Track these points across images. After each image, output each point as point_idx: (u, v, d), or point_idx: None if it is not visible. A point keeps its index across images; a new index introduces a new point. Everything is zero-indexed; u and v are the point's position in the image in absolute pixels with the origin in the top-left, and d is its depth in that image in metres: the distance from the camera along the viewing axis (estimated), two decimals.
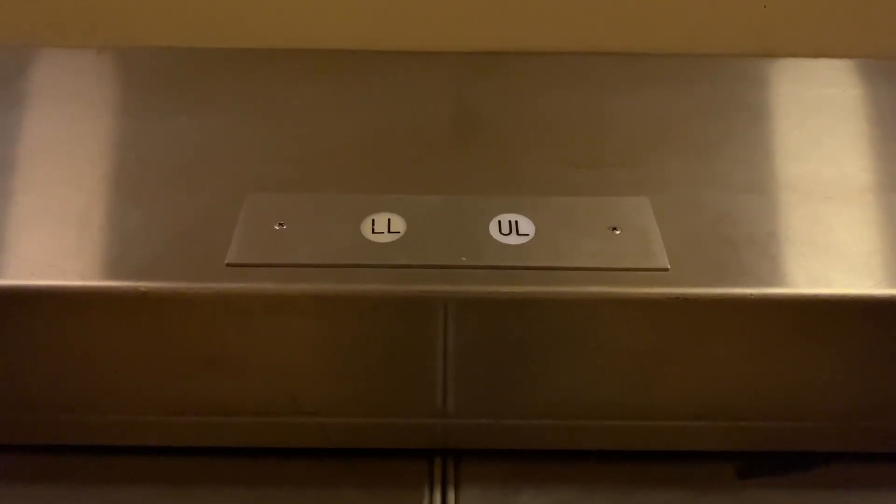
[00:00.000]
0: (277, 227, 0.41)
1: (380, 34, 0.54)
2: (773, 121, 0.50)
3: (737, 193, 0.44)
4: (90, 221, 0.42)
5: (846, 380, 0.43)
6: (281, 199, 0.43)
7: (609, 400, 0.43)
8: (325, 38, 0.54)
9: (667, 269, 0.40)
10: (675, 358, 0.42)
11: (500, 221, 0.42)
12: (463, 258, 0.40)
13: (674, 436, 0.45)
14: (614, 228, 0.42)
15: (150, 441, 0.45)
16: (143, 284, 0.39)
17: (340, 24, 0.54)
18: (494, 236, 0.41)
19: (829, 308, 0.40)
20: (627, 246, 0.41)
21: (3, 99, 0.51)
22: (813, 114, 0.51)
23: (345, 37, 0.54)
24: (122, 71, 0.54)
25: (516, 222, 0.42)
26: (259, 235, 0.41)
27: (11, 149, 0.47)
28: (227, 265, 0.40)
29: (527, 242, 0.41)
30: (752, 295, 0.39)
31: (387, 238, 0.41)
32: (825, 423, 0.44)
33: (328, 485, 0.44)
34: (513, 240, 0.41)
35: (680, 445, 0.45)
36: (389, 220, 0.42)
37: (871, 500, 0.44)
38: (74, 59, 0.54)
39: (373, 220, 0.42)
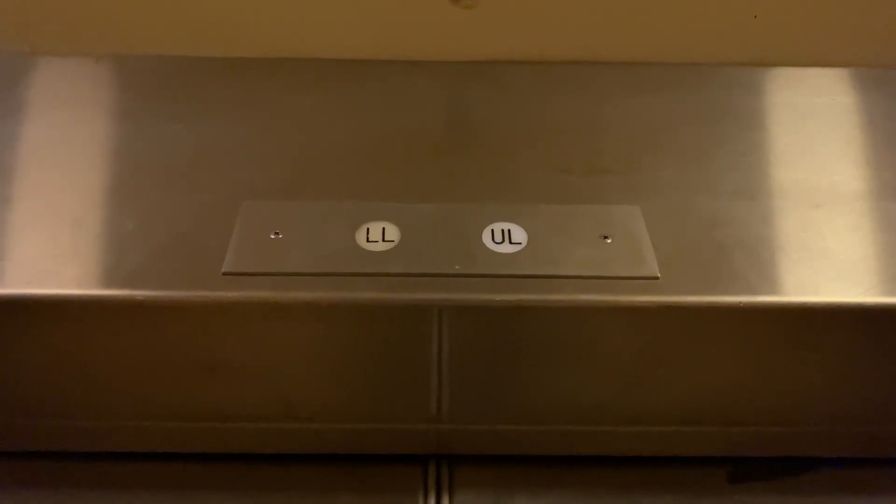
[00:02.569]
0: (273, 236, 0.42)
1: (374, 44, 0.55)
2: (764, 129, 0.51)
3: (728, 200, 0.45)
4: (87, 229, 0.43)
5: (836, 386, 0.43)
6: (276, 208, 0.43)
7: (601, 406, 0.44)
8: (320, 47, 0.54)
9: (657, 278, 0.40)
10: (667, 364, 0.42)
11: (493, 230, 0.42)
12: (456, 266, 0.40)
13: (666, 441, 0.45)
14: (606, 237, 0.42)
15: (146, 447, 0.45)
16: (139, 293, 0.39)
17: (335, 34, 0.55)
18: (487, 245, 0.42)
19: (819, 315, 0.40)
20: (618, 254, 0.41)
21: (3, 106, 0.51)
22: (803, 122, 0.51)
23: (340, 46, 0.54)
24: (119, 79, 0.54)
25: (509, 231, 0.42)
26: (255, 244, 0.41)
27: (9, 155, 0.47)
28: (224, 274, 0.40)
29: (519, 251, 0.41)
30: (741, 303, 0.40)
31: (381, 247, 0.41)
32: (816, 429, 0.45)
33: (323, 490, 0.45)
34: (506, 248, 0.41)
35: (672, 450, 0.46)
36: (384, 228, 0.42)
37: None
38: (73, 67, 0.54)
39: (367, 229, 0.42)
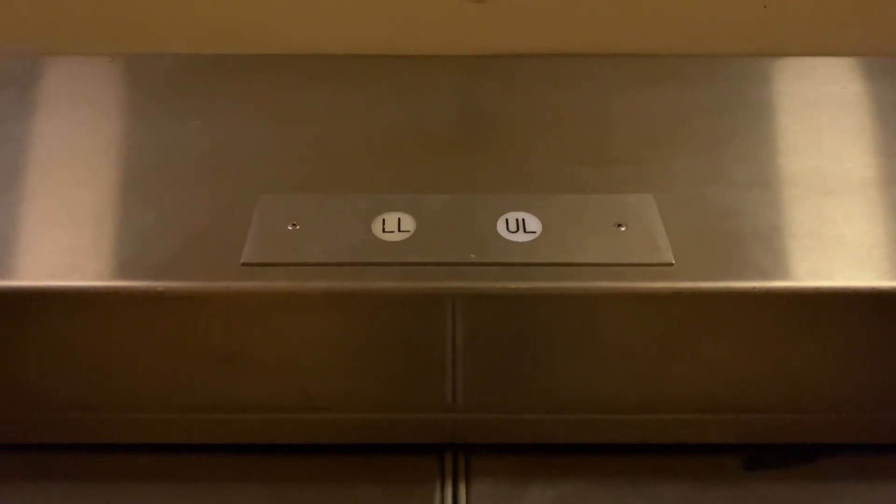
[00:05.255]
0: (291, 227, 0.42)
1: (387, 39, 0.55)
2: (775, 118, 0.51)
3: (740, 189, 0.45)
4: (108, 223, 0.43)
5: (851, 372, 0.43)
6: (293, 200, 0.44)
7: (616, 394, 0.44)
8: (333, 43, 0.55)
9: (671, 264, 0.41)
10: (681, 351, 0.42)
11: (507, 219, 0.43)
12: (472, 255, 0.41)
13: (680, 429, 0.45)
14: (619, 225, 0.43)
15: (166, 438, 0.46)
16: (160, 284, 0.40)
17: (348, 30, 0.55)
18: (502, 234, 0.42)
19: (833, 300, 0.41)
20: (632, 242, 0.42)
21: (22, 104, 0.52)
22: (814, 110, 0.51)
23: (353, 42, 0.55)
24: (135, 77, 0.55)
25: (523, 220, 0.43)
26: (273, 235, 0.42)
27: (29, 153, 0.48)
28: (243, 265, 0.40)
29: (534, 239, 0.42)
30: (755, 288, 0.40)
31: (397, 237, 0.42)
32: (830, 415, 0.45)
33: (340, 480, 0.45)
34: (520, 237, 0.42)
35: (687, 438, 0.46)
36: (399, 219, 0.43)
37: (875, 490, 0.45)
38: (89, 66, 0.55)
39: (383, 220, 0.43)
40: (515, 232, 0.42)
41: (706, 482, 0.45)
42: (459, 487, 0.45)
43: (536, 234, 0.42)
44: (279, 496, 0.45)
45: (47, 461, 0.46)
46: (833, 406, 0.45)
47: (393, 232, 0.42)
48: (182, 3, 0.55)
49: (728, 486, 0.45)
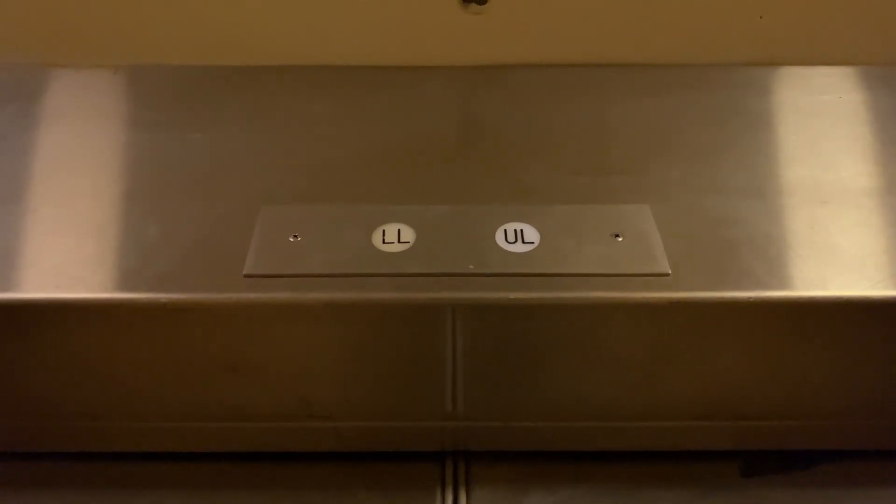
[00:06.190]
0: (292, 239, 0.43)
1: (386, 50, 0.55)
2: (771, 127, 0.51)
3: (736, 198, 0.45)
4: (111, 235, 0.44)
5: (846, 379, 0.43)
6: (295, 212, 0.44)
7: (614, 401, 0.44)
8: (332, 54, 0.55)
9: (667, 275, 0.41)
10: (678, 360, 0.43)
11: (505, 230, 0.43)
12: (470, 266, 0.41)
13: (678, 436, 0.46)
14: (616, 235, 0.43)
15: (169, 447, 0.46)
16: (163, 296, 0.40)
17: (347, 42, 0.56)
18: (500, 244, 0.42)
19: (828, 309, 0.41)
20: (629, 252, 0.42)
21: (26, 117, 0.52)
22: (810, 120, 0.52)
23: (352, 53, 0.55)
24: (137, 89, 0.55)
25: (521, 231, 0.43)
26: (274, 247, 0.42)
27: (33, 165, 0.49)
28: (245, 276, 0.41)
29: (532, 250, 0.42)
30: (751, 298, 0.40)
31: (397, 248, 0.42)
32: (826, 422, 0.45)
33: (342, 487, 0.46)
34: (518, 248, 0.42)
35: (684, 445, 0.46)
36: (399, 230, 0.43)
37: (871, 496, 0.45)
38: (92, 78, 0.55)
39: (383, 231, 0.43)
40: (514, 242, 0.42)
41: (703, 488, 0.45)
42: (460, 494, 0.45)
43: (534, 245, 0.42)
44: (281, 503, 0.45)
45: (53, 469, 0.46)
46: (829, 413, 0.45)
47: (393, 243, 0.42)
48: (184, 16, 0.55)
49: (725, 493, 0.45)
